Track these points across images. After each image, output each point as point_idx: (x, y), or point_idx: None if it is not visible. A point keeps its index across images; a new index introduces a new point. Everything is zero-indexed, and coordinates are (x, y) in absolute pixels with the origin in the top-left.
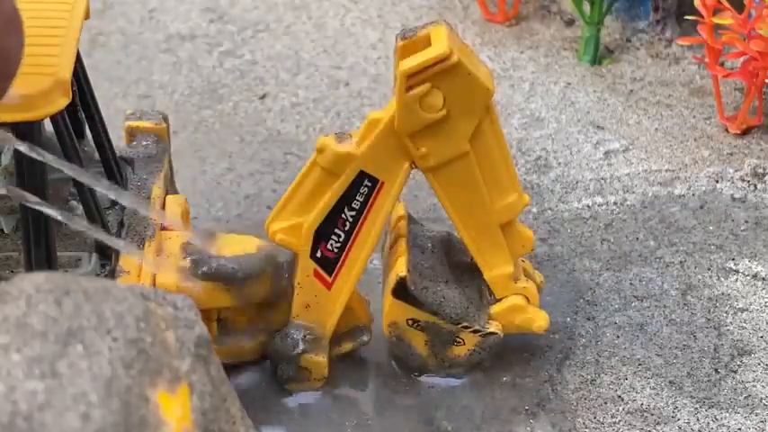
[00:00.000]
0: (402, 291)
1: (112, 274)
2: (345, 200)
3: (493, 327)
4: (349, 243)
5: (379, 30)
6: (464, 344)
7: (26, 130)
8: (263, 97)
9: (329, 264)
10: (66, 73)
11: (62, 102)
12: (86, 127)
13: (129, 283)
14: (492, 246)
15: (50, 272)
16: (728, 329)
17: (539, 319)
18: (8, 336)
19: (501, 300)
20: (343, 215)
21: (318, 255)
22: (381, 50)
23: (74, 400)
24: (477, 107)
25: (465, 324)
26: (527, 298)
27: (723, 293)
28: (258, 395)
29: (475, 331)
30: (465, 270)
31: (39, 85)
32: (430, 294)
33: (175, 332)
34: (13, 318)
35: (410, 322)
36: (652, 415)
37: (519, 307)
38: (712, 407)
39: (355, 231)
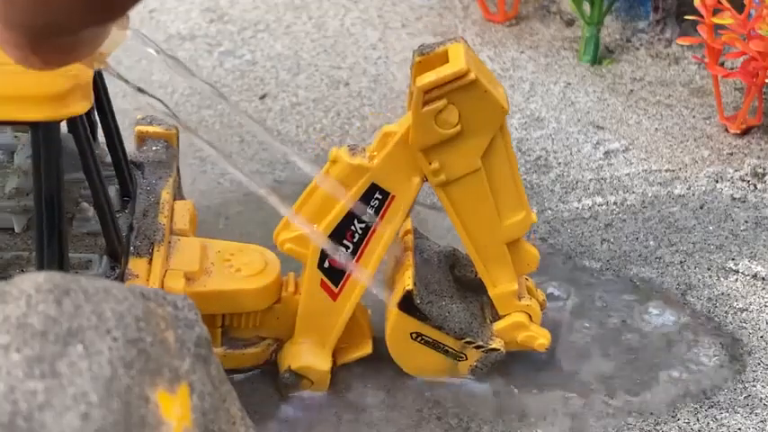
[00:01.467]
0: (408, 303)
1: (122, 278)
2: (356, 212)
3: (495, 343)
4: (357, 255)
5: (380, 30)
6: (467, 359)
7: (46, 131)
8: (263, 97)
9: (336, 275)
10: (88, 76)
11: (84, 104)
12: (99, 129)
13: (130, 284)
14: (498, 263)
15: (51, 272)
16: (728, 329)
17: (541, 337)
18: (8, 336)
19: (504, 316)
20: (352, 227)
21: (326, 265)
22: (381, 50)
23: (74, 399)
24: (491, 125)
25: (468, 339)
26: (530, 316)
27: (723, 293)
28: (258, 395)
29: (478, 347)
30: (468, 285)
31: (60, 86)
32: (435, 308)
33: (175, 332)
34: (14, 318)
35: (414, 335)
36: (652, 414)
37: (521, 324)
38: (712, 407)
39: (363, 243)
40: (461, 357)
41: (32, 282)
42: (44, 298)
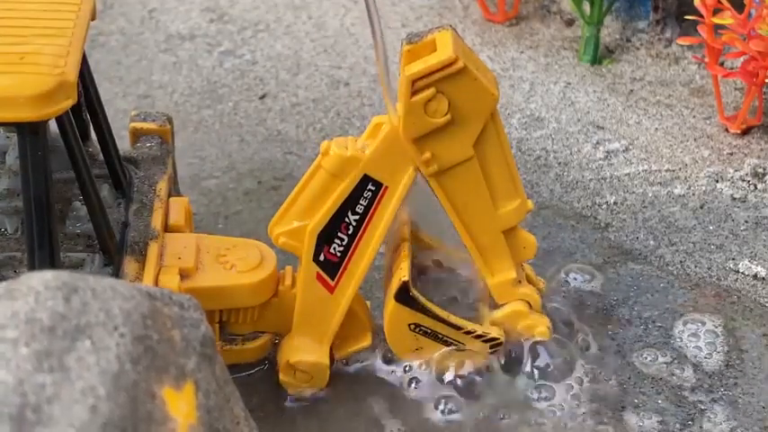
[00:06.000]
0: (405, 295)
1: (116, 276)
2: (349, 204)
3: (495, 332)
4: (352, 247)
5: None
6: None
7: (32, 131)
8: (263, 97)
9: (332, 267)
10: (73, 74)
11: (67, 103)
12: (91, 128)
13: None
14: (495, 251)
15: (59, 270)
16: (729, 329)
17: (540, 325)
18: (17, 330)
19: (503, 305)
20: (346, 219)
21: (321, 258)
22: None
23: (82, 393)
24: (481, 112)
25: (467, 329)
26: (529, 304)
27: (723, 293)
28: (260, 395)
29: (477, 336)
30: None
31: (44, 86)
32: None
33: (181, 331)
34: (23, 313)
35: (412, 326)
36: (651, 413)
37: (521, 313)
38: (713, 403)
39: (358, 235)
40: (461, 348)
41: (41, 279)
42: (52, 295)
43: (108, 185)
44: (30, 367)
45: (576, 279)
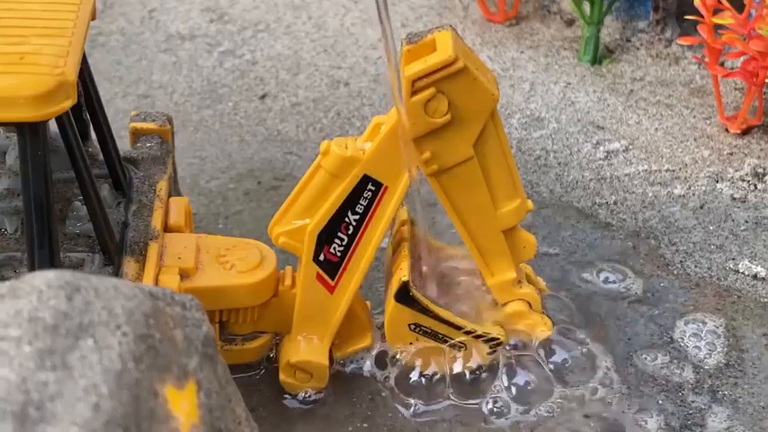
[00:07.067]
0: (405, 295)
1: (116, 276)
2: (349, 204)
3: (495, 332)
4: (352, 247)
5: (379, 30)
6: (467, 349)
7: (32, 131)
8: (263, 97)
9: (332, 267)
10: (73, 74)
11: (67, 103)
12: (91, 128)
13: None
14: (495, 251)
15: (61, 270)
16: (729, 329)
17: (541, 325)
18: (20, 329)
19: (503, 305)
20: (346, 219)
21: (321, 258)
22: (381, 50)
23: (85, 391)
24: (481, 112)
25: (468, 329)
26: (529, 304)
27: (723, 293)
28: (261, 396)
29: (478, 337)
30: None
31: (44, 86)
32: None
33: (183, 330)
34: (25, 311)
35: (412, 327)
36: (651, 414)
37: (521, 313)
38: (713, 403)
39: (358, 235)
40: (461, 347)
41: (43, 278)
42: (55, 294)
43: (108, 185)
44: (32, 365)
45: (576, 279)
